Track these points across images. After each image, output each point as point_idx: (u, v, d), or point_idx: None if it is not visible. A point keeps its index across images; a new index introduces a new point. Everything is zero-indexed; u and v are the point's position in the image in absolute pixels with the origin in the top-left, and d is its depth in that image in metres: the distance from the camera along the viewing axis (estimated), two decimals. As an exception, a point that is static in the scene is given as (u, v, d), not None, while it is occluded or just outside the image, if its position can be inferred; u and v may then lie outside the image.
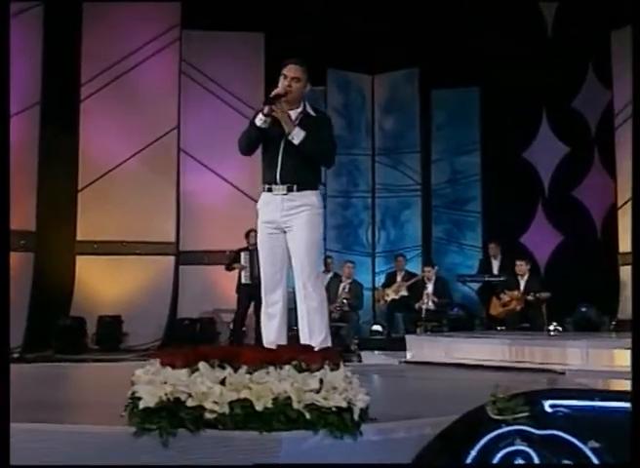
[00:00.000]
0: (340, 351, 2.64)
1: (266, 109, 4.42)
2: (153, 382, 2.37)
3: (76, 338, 9.71)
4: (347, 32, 11.33)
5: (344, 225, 11.93)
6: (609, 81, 11.80)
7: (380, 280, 11.47)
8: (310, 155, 4.52)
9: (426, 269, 10.37)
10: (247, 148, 4.68)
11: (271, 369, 2.40)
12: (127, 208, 10.10)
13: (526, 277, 9.67)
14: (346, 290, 10.19)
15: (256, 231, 10.25)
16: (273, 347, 4.70)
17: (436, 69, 11.82)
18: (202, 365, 2.43)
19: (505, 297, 9.64)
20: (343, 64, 11.89)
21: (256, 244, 10.24)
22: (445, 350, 5.65)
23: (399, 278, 10.82)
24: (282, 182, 4.45)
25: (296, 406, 2.26)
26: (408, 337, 6.97)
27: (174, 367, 2.43)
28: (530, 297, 9.39)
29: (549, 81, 11.78)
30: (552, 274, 11.60)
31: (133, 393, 2.39)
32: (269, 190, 4.51)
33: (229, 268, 10.29)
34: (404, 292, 10.59)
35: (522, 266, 9.65)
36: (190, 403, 2.29)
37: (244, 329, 10.43)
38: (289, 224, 4.46)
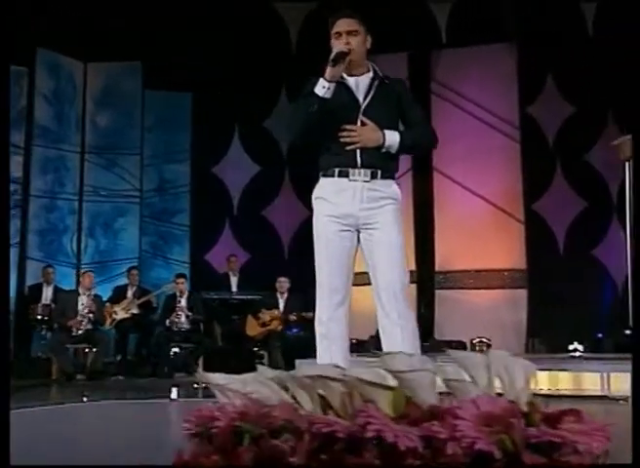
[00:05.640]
0: None
1: (329, 70, 3.50)
2: None
3: None
4: (60, 7, 9.82)
5: (48, 230, 10.23)
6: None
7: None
8: (412, 153, 3.88)
9: (179, 280, 9.45)
10: (306, 130, 3.63)
11: None
12: None
13: (286, 295, 9.41)
14: (88, 303, 8.76)
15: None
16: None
17: (153, 67, 10.95)
18: None
19: (266, 317, 9.24)
20: (55, 45, 10.25)
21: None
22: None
23: (130, 294, 9.65)
24: (363, 166, 3.58)
25: None
26: (298, 361, 6.22)
27: None
28: (293, 317, 9.15)
29: (244, 99, 11.75)
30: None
31: None
32: (344, 175, 3.60)
33: None
34: (135, 311, 9.48)
35: (284, 283, 9.37)
36: None
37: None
38: (370, 221, 3.59)
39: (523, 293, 10.66)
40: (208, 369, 9.09)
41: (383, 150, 3.61)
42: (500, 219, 10.68)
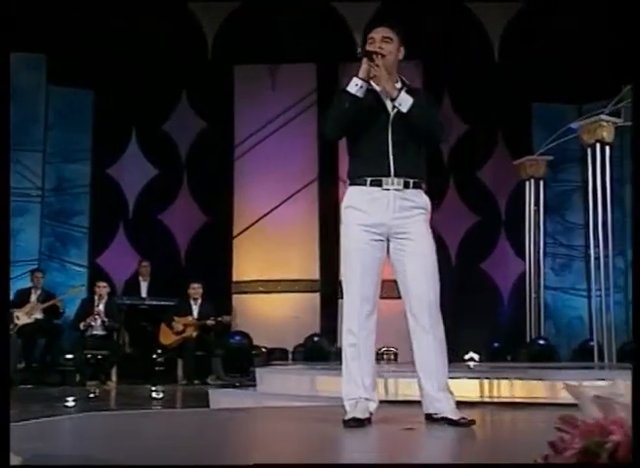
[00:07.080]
0: None
1: (362, 69, 3.55)
2: None
3: None
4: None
5: (-60, 230, 9.44)
6: (202, 110, 12.03)
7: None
8: (420, 128, 3.76)
9: (101, 284, 9.04)
10: (340, 125, 3.66)
11: None
12: None
13: (199, 301, 9.20)
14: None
15: None
16: (371, 393, 3.73)
17: (57, 61, 10.43)
18: None
19: (179, 325, 8.96)
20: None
21: None
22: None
23: (34, 297, 9.10)
24: (396, 175, 3.59)
25: None
26: (259, 370, 6.07)
27: None
28: (210, 322, 8.93)
29: (144, 100, 11.46)
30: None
31: None
32: (376, 184, 3.59)
33: None
34: (38, 316, 8.96)
35: (198, 289, 9.16)
36: None
37: None
38: (401, 231, 3.59)
39: (424, 304, 10.96)
40: (121, 376, 8.78)
41: (396, 104, 3.59)
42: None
